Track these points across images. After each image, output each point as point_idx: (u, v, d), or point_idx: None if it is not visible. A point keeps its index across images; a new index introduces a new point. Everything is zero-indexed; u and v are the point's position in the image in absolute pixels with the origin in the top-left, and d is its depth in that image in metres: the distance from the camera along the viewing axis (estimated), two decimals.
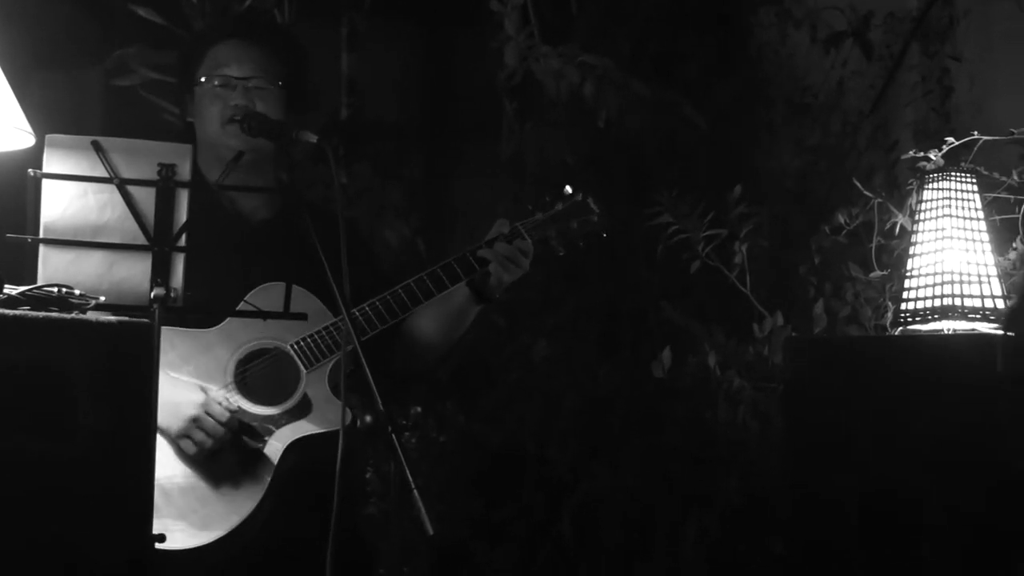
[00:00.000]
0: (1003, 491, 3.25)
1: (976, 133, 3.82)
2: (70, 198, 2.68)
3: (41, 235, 2.66)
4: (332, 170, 3.07)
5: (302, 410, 3.20)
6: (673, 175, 4.58)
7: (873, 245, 4.10)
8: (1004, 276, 3.67)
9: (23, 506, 2.44)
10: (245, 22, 4.18)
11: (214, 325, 3.18)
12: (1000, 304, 3.53)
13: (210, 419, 3.11)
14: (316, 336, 3.18)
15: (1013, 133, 3.84)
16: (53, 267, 2.66)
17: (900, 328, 3.61)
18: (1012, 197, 3.86)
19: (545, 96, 4.78)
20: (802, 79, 4.89)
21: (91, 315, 2.59)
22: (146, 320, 2.62)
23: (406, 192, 4.90)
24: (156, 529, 2.58)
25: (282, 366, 3.19)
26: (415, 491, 2.74)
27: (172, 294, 2.69)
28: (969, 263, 3.54)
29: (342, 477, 2.85)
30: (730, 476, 4.37)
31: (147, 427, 2.58)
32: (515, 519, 4.67)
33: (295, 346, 3.19)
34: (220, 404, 3.13)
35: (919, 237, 3.61)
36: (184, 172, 2.70)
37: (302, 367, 3.19)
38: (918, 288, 3.57)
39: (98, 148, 2.67)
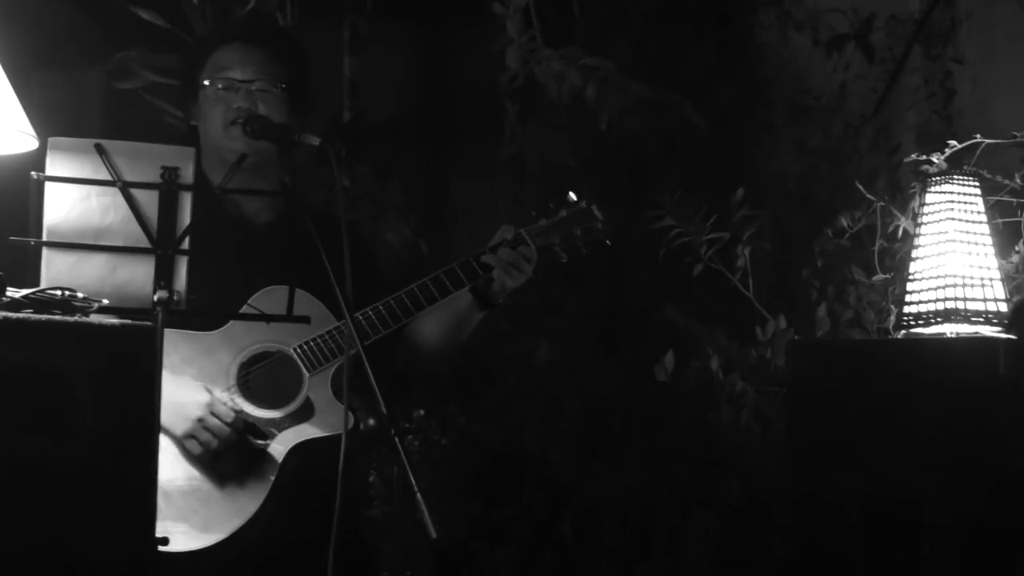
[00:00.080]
0: (1005, 493, 3.25)
1: (979, 136, 3.81)
2: (73, 201, 2.68)
3: (44, 238, 2.66)
4: (334, 172, 3.07)
5: (304, 413, 3.20)
6: (674, 177, 4.58)
7: (876, 248, 4.10)
8: (1007, 279, 3.67)
9: (25, 507, 2.44)
10: (248, 25, 4.19)
11: (217, 328, 3.18)
12: (1003, 307, 3.53)
13: (215, 420, 3.11)
14: (319, 339, 3.18)
15: (1016, 136, 3.83)
16: (56, 270, 2.66)
17: (903, 331, 3.61)
18: (1015, 200, 3.86)
19: (547, 98, 4.78)
20: (804, 81, 4.89)
21: (94, 318, 2.59)
22: (149, 323, 2.62)
23: (407, 194, 4.90)
24: (157, 531, 2.58)
25: (285, 369, 3.19)
26: (418, 494, 2.74)
27: (175, 297, 2.69)
28: (972, 266, 3.54)
29: (344, 480, 2.85)
30: (732, 478, 4.37)
31: (150, 430, 2.58)
32: (516, 520, 4.67)
33: (298, 349, 3.19)
34: (225, 405, 3.13)
35: (921, 240, 3.60)
36: (187, 175, 2.70)
37: (305, 370, 3.19)
38: (920, 291, 3.57)
39: (101, 151, 2.67)
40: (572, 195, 3.40)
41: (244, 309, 3.11)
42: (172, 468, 3.07)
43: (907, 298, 3.60)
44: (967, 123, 4.52)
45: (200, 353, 3.16)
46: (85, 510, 2.48)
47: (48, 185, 2.66)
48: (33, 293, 2.57)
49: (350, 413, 3.00)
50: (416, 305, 3.26)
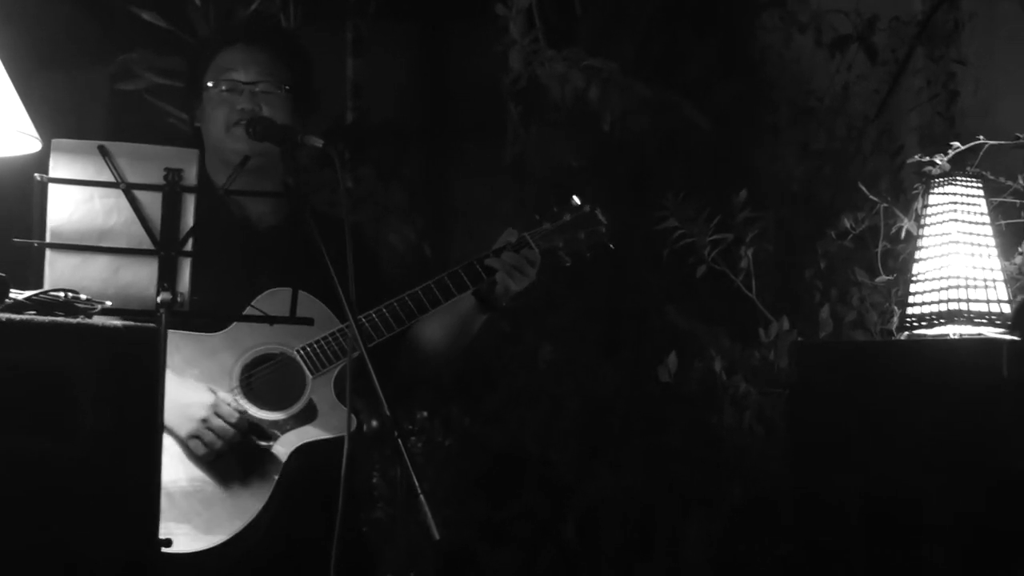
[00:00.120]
0: (1008, 494, 3.25)
1: (982, 138, 3.81)
2: (76, 202, 2.68)
3: (47, 239, 2.66)
4: (338, 174, 3.08)
5: (307, 415, 3.20)
6: (677, 178, 4.58)
7: (879, 250, 4.10)
8: (1010, 280, 3.66)
9: (27, 508, 2.45)
10: (251, 27, 4.19)
11: (220, 330, 3.18)
12: (1006, 309, 3.53)
13: (219, 420, 3.11)
14: (323, 342, 3.18)
15: (1019, 137, 3.83)
16: (59, 271, 2.66)
17: (906, 333, 3.60)
18: (1018, 201, 3.86)
19: (549, 100, 4.78)
20: (807, 83, 4.88)
21: (97, 320, 2.59)
22: (152, 325, 2.62)
23: (410, 195, 4.90)
24: (160, 533, 2.58)
25: (288, 371, 3.19)
26: (421, 496, 2.74)
27: (178, 299, 2.69)
28: (975, 267, 3.53)
29: (347, 483, 2.85)
30: (735, 480, 4.37)
31: (153, 432, 2.58)
32: (519, 521, 4.67)
33: (301, 351, 3.19)
34: (229, 405, 3.13)
35: (925, 241, 3.60)
36: (190, 177, 2.70)
37: (308, 372, 3.19)
38: (924, 292, 3.57)
39: (104, 153, 2.68)
40: (576, 199, 3.41)
41: (248, 311, 3.11)
42: (175, 469, 3.08)
43: (910, 299, 3.60)
44: (970, 124, 4.52)
45: (203, 355, 3.16)
46: (87, 511, 2.48)
47: (51, 187, 2.66)
48: (36, 295, 2.57)
49: (353, 415, 3.00)
50: (420, 308, 3.26)
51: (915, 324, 3.57)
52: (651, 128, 4.74)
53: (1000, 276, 3.55)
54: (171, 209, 2.69)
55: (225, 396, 3.15)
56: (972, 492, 3.26)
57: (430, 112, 5.68)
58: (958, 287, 3.52)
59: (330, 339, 3.19)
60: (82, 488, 2.48)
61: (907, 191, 4.13)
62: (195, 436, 3.11)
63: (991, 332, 3.50)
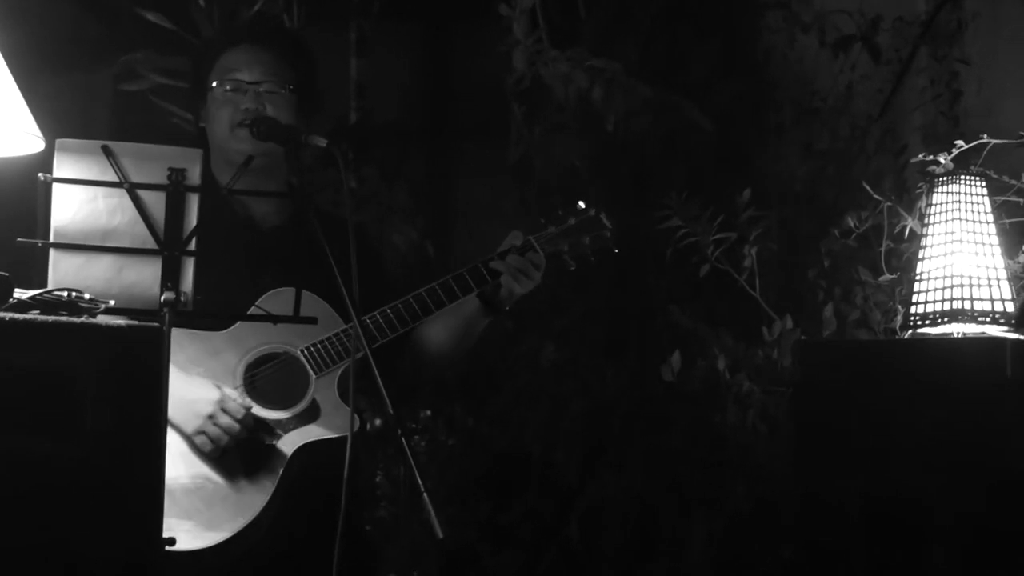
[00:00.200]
0: (1010, 494, 3.25)
1: (985, 137, 3.81)
2: (80, 202, 2.68)
3: (51, 239, 2.66)
4: (341, 174, 3.08)
5: (310, 415, 3.20)
6: (680, 178, 4.58)
7: (882, 249, 4.09)
8: (1014, 279, 3.66)
9: (27, 508, 2.44)
10: (255, 27, 4.19)
11: (224, 329, 3.18)
12: (1009, 307, 3.53)
13: (226, 416, 3.12)
14: (327, 342, 3.19)
15: (1022, 136, 3.83)
16: (63, 271, 2.66)
17: (909, 331, 3.60)
18: (1021, 200, 3.86)
19: (553, 100, 4.79)
20: (810, 83, 4.88)
21: (101, 319, 2.59)
22: (156, 324, 2.63)
23: (413, 196, 4.90)
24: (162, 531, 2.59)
25: (292, 371, 3.20)
26: (425, 494, 2.74)
27: (182, 298, 2.69)
28: (979, 266, 3.53)
29: (349, 483, 2.85)
30: (738, 480, 4.37)
31: (156, 431, 2.58)
32: (522, 522, 4.67)
33: (305, 351, 3.19)
34: (235, 401, 3.13)
35: (928, 241, 3.60)
36: (194, 176, 2.70)
37: (312, 372, 3.19)
38: (927, 291, 3.56)
39: (108, 152, 2.68)
40: (581, 203, 3.41)
41: (251, 311, 3.11)
42: (176, 466, 3.08)
43: (914, 298, 3.60)
44: (973, 123, 4.51)
45: (207, 354, 3.16)
46: (89, 511, 2.47)
47: (55, 187, 2.67)
48: (40, 294, 2.57)
49: (356, 415, 3.00)
50: (424, 309, 3.27)
51: (919, 323, 3.57)
52: (654, 128, 4.74)
53: (1004, 275, 3.55)
54: (175, 209, 2.69)
55: (231, 392, 3.15)
56: (974, 492, 3.26)
57: (433, 112, 5.68)
58: (962, 286, 3.52)
59: (334, 339, 3.20)
60: (84, 488, 2.48)
61: (911, 190, 4.12)
62: (201, 432, 3.11)
63: (995, 331, 3.50)
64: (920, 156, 3.85)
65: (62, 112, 3.32)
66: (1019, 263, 3.78)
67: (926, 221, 3.62)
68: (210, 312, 3.00)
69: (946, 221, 3.57)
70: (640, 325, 4.79)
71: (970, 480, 3.27)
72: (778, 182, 4.74)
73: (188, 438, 3.12)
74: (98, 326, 2.55)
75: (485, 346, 3.53)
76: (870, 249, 4.17)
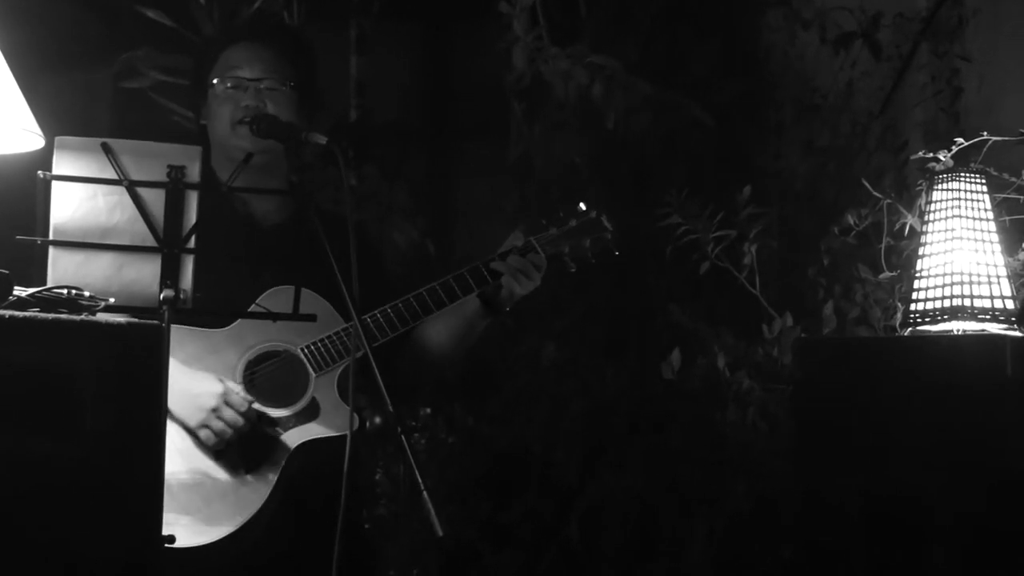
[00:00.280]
0: (1010, 493, 3.24)
1: (985, 134, 3.81)
2: (79, 200, 2.68)
3: (51, 237, 2.67)
4: (341, 172, 3.08)
5: (310, 413, 3.20)
6: (680, 176, 4.58)
7: (882, 246, 4.09)
8: (1014, 276, 3.66)
9: (27, 507, 2.44)
10: (256, 24, 4.19)
11: (224, 326, 3.18)
12: (1009, 305, 3.52)
13: (229, 409, 3.11)
14: (327, 340, 3.19)
15: (1023, 134, 3.82)
16: (63, 269, 2.67)
17: (909, 329, 3.60)
18: (1021, 197, 3.85)
19: (553, 97, 4.78)
20: (811, 80, 4.88)
21: (100, 317, 2.59)
22: (155, 322, 2.63)
23: (414, 194, 4.90)
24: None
25: (291, 369, 3.20)
26: (424, 492, 2.75)
27: (181, 296, 2.69)
28: (979, 264, 3.53)
29: (349, 482, 2.85)
30: (738, 479, 4.37)
31: (156, 428, 2.58)
32: (522, 522, 4.67)
33: (305, 349, 3.19)
34: (238, 395, 3.13)
35: (928, 238, 3.60)
36: (193, 174, 2.70)
37: (311, 371, 3.19)
38: (927, 289, 3.56)
39: (107, 150, 2.68)
40: (582, 205, 3.42)
41: (252, 308, 3.11)
42: (175, 462, 3.07)
43: (914, 295, 3.60)
44: (974, 120, 4.51)
45: (207, 351, 3.16)
46: (88, 510, 2.47)
47: (55, 184, 2.67)
48: (39, 292, 2.57)
49: (355, 414, 3.00)
50: (425, 309, 3.27)
51: (919, 320, 3.57)
52: (654, 126, 4.74)
53: (1004, 272, 3.55)
54: (174, 206, 2.69)
55: (234, 386, 3.15)
56: (974, 490, 3.26)
57: (433, 111, 5.69)
58: (962, 283, 3.52)
59: (334, 338, 3.20)
60: (84, 487, 2.48)
61: (911, 187, 4.12)
62: (205, 426, 3.11)
63: (995, 328, 3.50)
64: (920, 153, 3.85)
65: (62, 110, 3.32)
66: (1019, 260, 3.78)
67: (926, 218, 3.62)
68: (210, 309, 3.00)
69: (946, 218, 3.56)
70: (640, 324, 4.79)
71: (970, 478, 3.27)
72: (778, 180, 4.74)
73: (191, 432, 3.12)
74: (98, 324, 2.55)
75: (485, 345, 3.54)
76: (870, 246, 4.17)
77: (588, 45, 4.73)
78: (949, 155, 3.73)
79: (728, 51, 4.99)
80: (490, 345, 4.53)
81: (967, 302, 3.50)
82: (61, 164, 2.67)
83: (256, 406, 3.17)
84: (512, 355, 4.76)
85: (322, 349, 3.19)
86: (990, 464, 3.28)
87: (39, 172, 2.67)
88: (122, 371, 2.52)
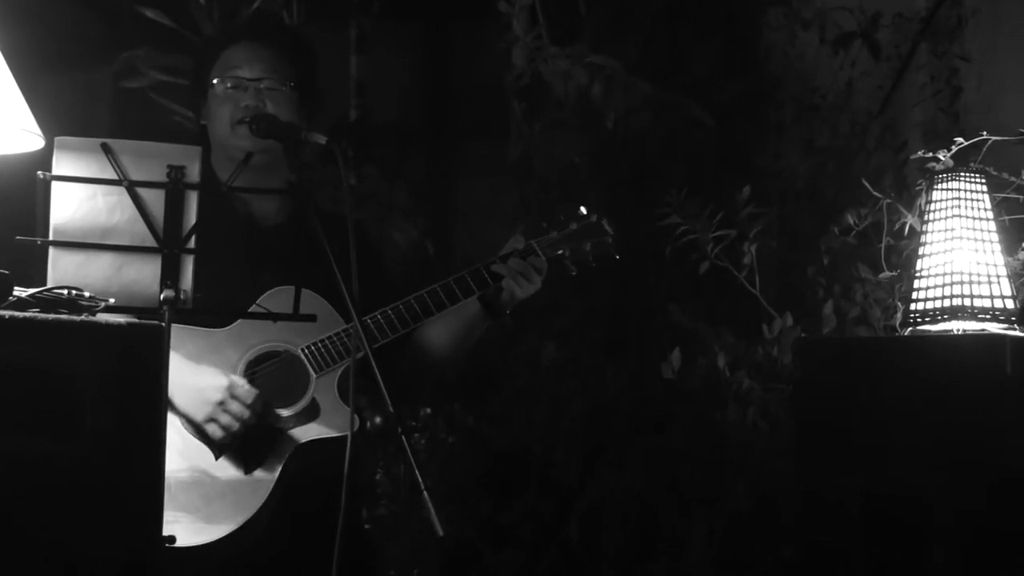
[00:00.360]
0: (1010, 492, 3.24)
1: (985, 133, 3.80)
2: (79, 200, 2.68)
3: (51, 237, 2.67)
4: (341, 172, 3.08)
5: (310, 414, 3.20)
6: (680, 176, 4.58)
7: (882, 246, 4.09)
8: (1014, 276, 3.66)
9: (27, 508, 2.44)
10: (256, 24, 4.19)
11: (224, 326, 3.18)
12: (1009, 304, 3.52)
13: (236, 402, 3.11)
14: (327, 341, 3.19)
15: (1022, 133, 3.82)
16: (62, 269, 2.67)
17: (909, 329, 3.60)
18: (1021, 197, 3.85)
19: (552, 97, 4.79)
20: (810, 80, 4.88)
21: (100, 317, 2.59)
22: (156, 322, 2.62)
23: (413, 194, 4.90)
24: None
25: (292, 369, 3.20)
26: (425, 492, 2.75)
27: (181, 296, 2.69)
28: (979, 263, 3.53)
29: (349, 483, 2.85)
30: (739, 478, 4.37)
31: (156, 429, 2.58)
32: (522, 522, 4.67)
33: (306, 350, 3.19)
34: (244, 387, 3.13)
35: (928, 237, 3.59)
36: (193, 174, 2.70)
37: (312, 371, 3.19)
38: (927, 288, 3.56)
39: (107, 150, 2.68)
40: (583, 209, 3.43)
41: (252, 309, 3.11)
42: (175, 461, 3.07)
43: (914, 295, 3.60)
44: (973, 120, 4.51)
45: (207, 350, 3.16)
46: (89, 510, 2.47)
47: (55, 184, 2.67)
48: (39, 292, 2.57)
49: (355, 415, 3.00)
50: (425, 311, 3.27)
51: (918, 320, 3.56)
52: (654, 126, 4.74)
53: (1004, 272, 3.55)
54: (174, 206, 2.69)
55: (239, 379, 3.15)
56: (974, 490, 3.26)
57: (433, 110, 5.69)
58: (962, 283, 3.52)
59: (335, 338, 3.20)
60: (84, 487, 2.47)
61: (911, 187, 4.12)
62: (212, 419, 3.11)
63: (995, 328, 3.50)
64: (920, 153, 3.84)
65: (62, 110, 3.32)
66: (1019, 260, 3.78)
67: (926, 218, 3.62)
68: (210, 309, 3.00)
69: (946, 218, 3.56)
70: (640, 324, 4.79)
71: (970, 478, 3.27)
72: (778, 179, 4.74)
73: (198, 427, 3.12)
74: (98, 324, 2.55)
75: (485, 346, 3.54)
76: (870, 246, 4.17)
77: (588, 45, 4.73)
78: (949, 155, 3.73)
79: (728, 51, 4.99)
80: (490, 345, 4.53)
81: (967, 302, 3.50)
82: (61, 164, 2.67)
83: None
84: (512, 355, 4.76)
85: (322, 350, 3.19)
86: (990, 463, 3.28)
87: (39, 172, 2.67)
88: (122, 372, 2.52)
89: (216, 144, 3.32)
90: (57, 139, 2.69)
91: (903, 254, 4.04)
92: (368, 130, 5.13)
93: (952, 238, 3.54)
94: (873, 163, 4.56)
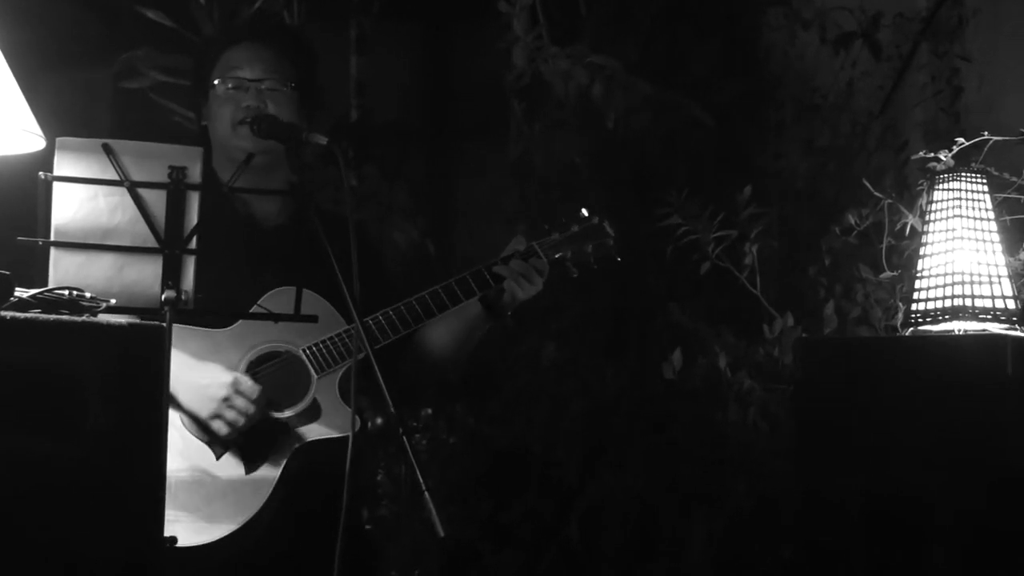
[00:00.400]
0: (1010, 493, 3.24)
1: (986, 133, 3.80)
2: (81, 201, 2.68)
3: (52, 238, 2.66)
4: (342, 172, 3.08)
5: (311, 414, 3.20)
6: (681, 176, 4.58)
7: (883, 246, 4.09)
8: (1015, 276, 3.66)
9: (27, 508, 2.44)
10: (256, 24, 4.19)
11: (226, 327, 3.18)
12: (1011, 304, 3.52)
13: (240, 398, 3.11)
14: (329, 342, 3.19)
15: (1023, 133, 3.82)
16: (64, 270, 2.66)
17: (910, 329, 3.60)
18: (1022, 197, 3.85)
19: (553, 97, 4.79)
20: (811, 80, 4.88)
21: (102, 318, 2.58)
22: (157, 323, 2.62)
23: (414, 194, 4.90)
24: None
25: (293, 370, 3.20)
26: (426, 493, 2.75)
27: (183, 297, 2.69)
28: (980, 263, 3.53)
29: (350, 484, 2.85)
30: (739, 478, 4.37)
31: (157, 429, 2.58)
32: (522, 522, 4.67)
33: (307, 351, 3.19)
34: (248, 382, 3.13)
35: (929, 238, 3.60)
36: (194, 174, 2.70)
37: (313, 372, 3.19)
38: (928, 289, 3.56)
39: (109, 151, 2.68)
40: (584, 211, 3.43)
41: (253, 309, 3.11)
42: (175, 461, 3.07)
43: (915, 295, 3.60)
44: (974, 120, 4.51)
45: (209, 350, 3.16)
46: (89, 510, 2.47)
47: (56, 185, 2.66)
48: (41, 293, 2.57)
49: (356, 416, 3.00)
50: (426, 312, 3.28)
51: (919, 320, 3.56)
52: (655, 126, 4.74)
53: (1004, 272, 3.55)
54: (175, 207, 2.69)
55: (242, 375, 3.15)
56: (974, 490, 3.26)
57: (433, 110, 5.69)
58: (962, 283, 3.52)
59: (336, 339, 3.20)
60: (84, 487, 2.47)
61: (911, 187, 4.12)
62: (217, 416, 3.11)
63: (996, 328, 3.50)
64: (921, 153, 3.84)
65: (63, 110, 3.32)
66: (1020, 260, 3.78)
67: (927, 218, 3.62)
68: (211, 310, 3.00)
69: (947, 218, 3.56)
70: (640, 324, 4.79)
71: (971, 478, 3.27)
72: (779, 179, 4.74)
73: (203, 424, 3.12)
74: (99, 325, 2.55)
75: (485, 346, 3.54)
76: (871, 246, 4.17)
77: (588, 45, 4.72)
78: (950, 155, 3.72)
79: (728, 51, 4.99)
80: (490, 345, 4.53)
81: (968, 302, 3.50)
82: (62, 165, 2.67)
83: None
84: (512, 355, 4.76)
85: (324, 351, 3.19)
86: (990, 464, 3.28)
87: (40, 173, 2.66)
88: (123, 372, 2.52)
89: (217, 145, 3.32)
90: (58, 140, 2.69)
91: (904, 254, 4.04)
92: (368, 130, 5.13)
93: (953, 238, 3.54)
94: (874, 163, 4.56)
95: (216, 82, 3.32)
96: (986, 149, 3.80)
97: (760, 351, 4.26)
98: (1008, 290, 3.53)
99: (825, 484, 3.45)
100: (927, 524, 3.32)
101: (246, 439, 3.15)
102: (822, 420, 3.50)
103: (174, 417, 3.10)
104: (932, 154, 3.77)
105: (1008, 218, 3.81)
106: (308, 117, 3.35)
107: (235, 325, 3.18)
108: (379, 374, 2.85)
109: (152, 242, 2.69)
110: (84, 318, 2.55)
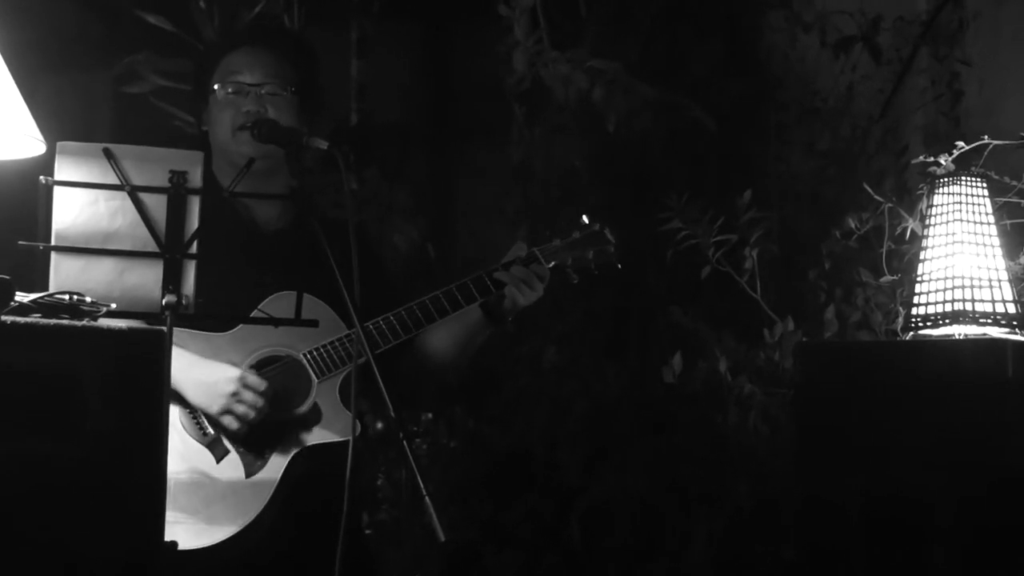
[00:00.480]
0: (1011, 495, 3.24)
1: (986, 137, 3.80)
2: (81, 205, 2.68)
3: (53, 242, 2.66)
4: (343, 176, 3.08)
5: (312, 418, 3.20)
6: (681, 179, 4.58)
7: (884, 250, 4.09)
8: (1015, 280, 3.66)
9: (29, 508, 2.44)
10: (256, 29, 4.19)
11: (226, 331, 3.18)
12: (1011, 309, 3.52)
13: (249, 391, 3.12)
14: (329, 346, 3.19)
15: (1023, 137, 3.82)
16: (64, 274, 2.66)
17: (911, 333, 3.60)
18: (1022, 201, 3.85)
19: (553, 101, 4.79)
20: (812, 83, 4.88)
21: (102, 322, 2.58)
22: (158, 327, 2.63)
23: (414, 196, 4.91)
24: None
25: (293, 374, 3.20)
26: (426, 497, 2.75)
27: (183, 301, 2.69)
28: (980, 267, 3.53)
29: (351, 488, 2.85)
30: (740, 481, 4.37)
31: (158, 433, 2.58)
32: (523, 522, 4.67)
33: (308, 355, 3.19)
34: (255, 376, 3.13)
35: (930, 242, 3.59)
36: (195, 179, 2.70)
37: (314, 376, 3.19)
38: (929, 293, 3.56)
39: (109, 155, 2.68)
40: (585, 218, 3.43)
41: (254, 314, 3.11)
42: (174, 463, 3.06)
43: (915, 299, 3.59)
44: (974, 124, 4.51)
45: (209, 354, 3.16)
46: (89, 511, 2.47)
47: (57, 189, 2.66)
48: (41, 297, 2.57)
49: (357, 420, 3.00)
50: (427, 317, 3.28)
51: (920, 324, 3.56)
52: (655, 129, 4.74)
53: (1005, 276, 3.55)
54: (176, 211, 2.69)
55: (248, 371, 3.15)
56: (975, 494, 3.26)
57: (434, 113, 5.69)
58: (963, 287, 3.51)
59: (337, 344, 3.20)
60: (84, 488, 2.48)
61: (912, 191, 4.12)
62: (227, 411, 3.11)
63: (996, 332, 3.49)
64: (921, 157, 3.84)
65: (63, 115, 3.33)
66: (1020, 264, 3.77)
67: (927, 222, 3.62)
68: (212, 314, 3.00)
69: (947, 222, 3.56)
70: (641, 327, 4.79)
71: (971, 482, 3.27)
72: (779, 183, 4.74)
73: (213, 420, 3.12)
74: (100, 329, 2.55)
75: (487, 350, 3.54)
76: (871, 250, 4.17)
77: (588, 48, 4.73)
78: (950, 159, 3.72)
79: (729, 52, 4.99)
80: (491, 348, 4.53)
81: (968, 306, 3.50)
82: (63, 169, 2.67)
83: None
84: (513, 357, 4.76)
85: (324, 355, 3.20)
86: (991, 467, 3.28)
87: (41, 177, 2.67)
88: (124, 377, 2.52)
89: (217, 149, 3.32)
90: (59, 144, 2.69)
91: (904, 258, 4.04)
92: (369, 133, 5.14)
93: (953, 242, 3.54)
94: (874, 167, 4.57)
95: (216, 87, 3.32)
96: (986, 153, 3.80)
97: (760, 355, 4.26)
98: (1008, 294, 3.53)
99: (825, 487, 3.45)
100: (927, 527, 3.32)
101: (247, 441, 3.15)
102: (823, 424, 3.49)
103: (174, 419, 3.10)
104: (932, 158, 3.76)
105: (1008, 222, 3.80)
106: (309, 121, 3.35)
107: (236, 329, 3.18)
108: (380, 378, 2.86)
109: (153, 246, 2.69)
110: (85, 323, 2.55)
